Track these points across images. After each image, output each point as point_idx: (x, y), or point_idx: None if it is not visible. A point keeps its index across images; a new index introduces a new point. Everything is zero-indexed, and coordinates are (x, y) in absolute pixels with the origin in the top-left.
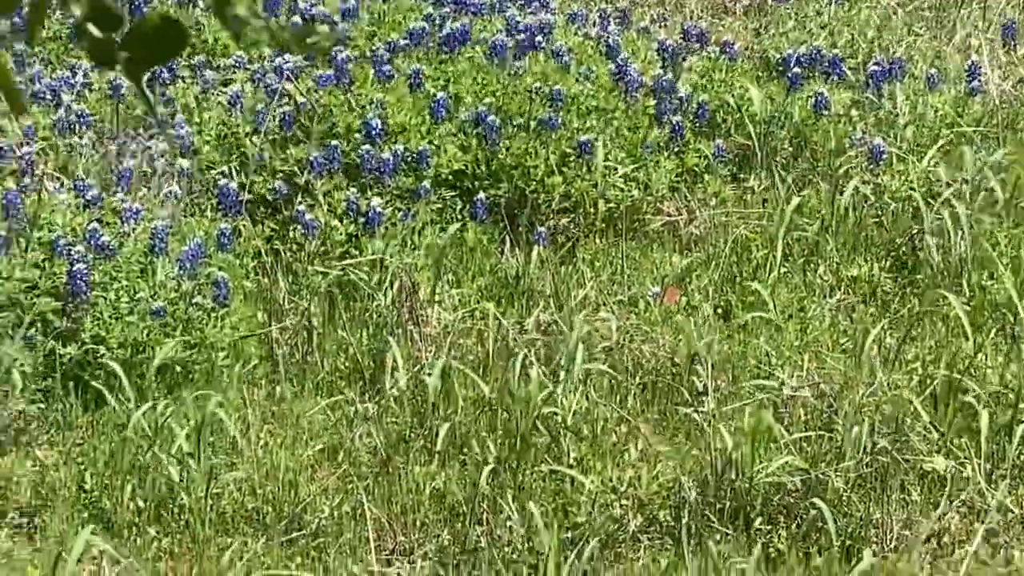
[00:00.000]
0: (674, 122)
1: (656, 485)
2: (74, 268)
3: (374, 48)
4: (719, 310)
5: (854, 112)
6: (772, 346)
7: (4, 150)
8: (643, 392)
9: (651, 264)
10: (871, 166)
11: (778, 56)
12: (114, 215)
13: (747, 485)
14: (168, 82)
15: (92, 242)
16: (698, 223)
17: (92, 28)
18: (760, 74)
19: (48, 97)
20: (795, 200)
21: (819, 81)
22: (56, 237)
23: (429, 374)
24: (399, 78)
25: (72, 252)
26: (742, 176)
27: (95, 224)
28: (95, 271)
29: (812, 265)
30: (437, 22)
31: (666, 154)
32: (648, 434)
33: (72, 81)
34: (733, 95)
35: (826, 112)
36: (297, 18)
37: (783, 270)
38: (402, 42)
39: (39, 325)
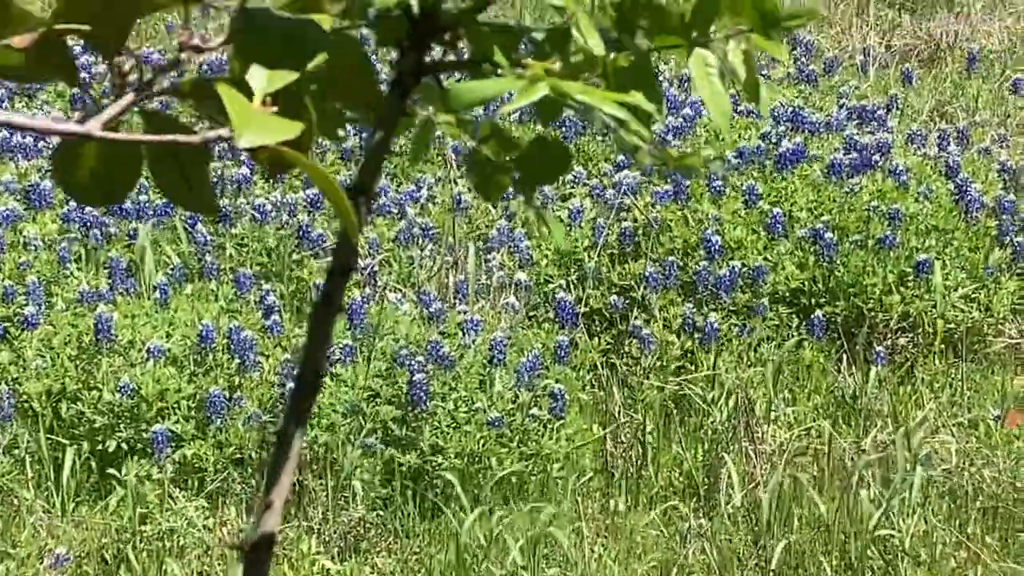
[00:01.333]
0: (1016, 243)
1: None
2: (415, 378)
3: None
4: None
5: None
6: None
7: None
8: (983, 517)
9: (992, 387)
10: None
11: None
12: (456, 326)
13: None
14: (510, 196)
15: (433, 353)
16: None
17: (486, 150)
18: None
19: (393, 211)
20: None
21: None
22: (398, 347)
23: (764, 492)
24: (734, 194)
25: (413, 363)
26: None
27: (436, 336)
28: (435, 381)
29: None
30: (773, 140)
31: (1008, 275)
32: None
33: (416, 195)
34: None
35: None
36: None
37: None
38: (733, 159)
39: (380, 433)
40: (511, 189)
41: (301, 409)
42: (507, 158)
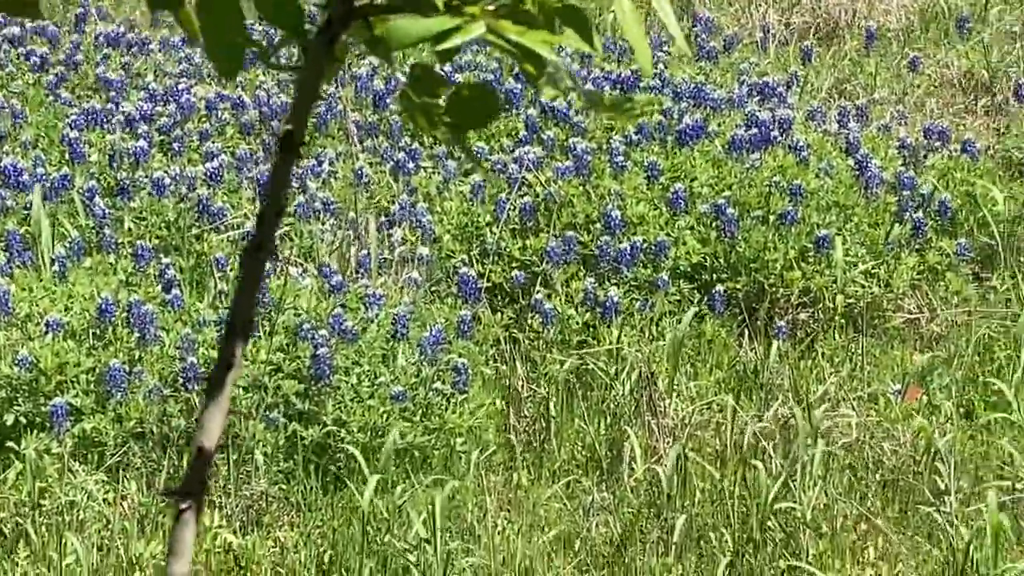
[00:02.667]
0: (916, 219)
1: None
2: (317, 352)
3: (610, 140)
4: (961, 409)
5: None
6: (1016, 447)
7: (250, 235)
8: (883, 490)
9: (891, 361)
10: None
11: (1021, 156)
12: (358, 300)
13: None
14: (412, 172)
15: (335, 327)
16: (939, 321)
17: (414, 92)
18: (1001, 174)
19: (294, 185)
20: None
21: None
22: (300, 321)
23: (666, 465)
24: (635, 170)
25: (316, 336)
26: (984, 275)
27: (339, 309)
28: (337, 355)
29: None
30: (674, 116)
31: (907, 251)
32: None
33: (318, 170)
34: (975, 194)
35: None
36: (534, 111)
37: None
38: (634, 136)
39: (282, 407)
40: (440, 133)
41: (232, 355)
42: (437, 101)
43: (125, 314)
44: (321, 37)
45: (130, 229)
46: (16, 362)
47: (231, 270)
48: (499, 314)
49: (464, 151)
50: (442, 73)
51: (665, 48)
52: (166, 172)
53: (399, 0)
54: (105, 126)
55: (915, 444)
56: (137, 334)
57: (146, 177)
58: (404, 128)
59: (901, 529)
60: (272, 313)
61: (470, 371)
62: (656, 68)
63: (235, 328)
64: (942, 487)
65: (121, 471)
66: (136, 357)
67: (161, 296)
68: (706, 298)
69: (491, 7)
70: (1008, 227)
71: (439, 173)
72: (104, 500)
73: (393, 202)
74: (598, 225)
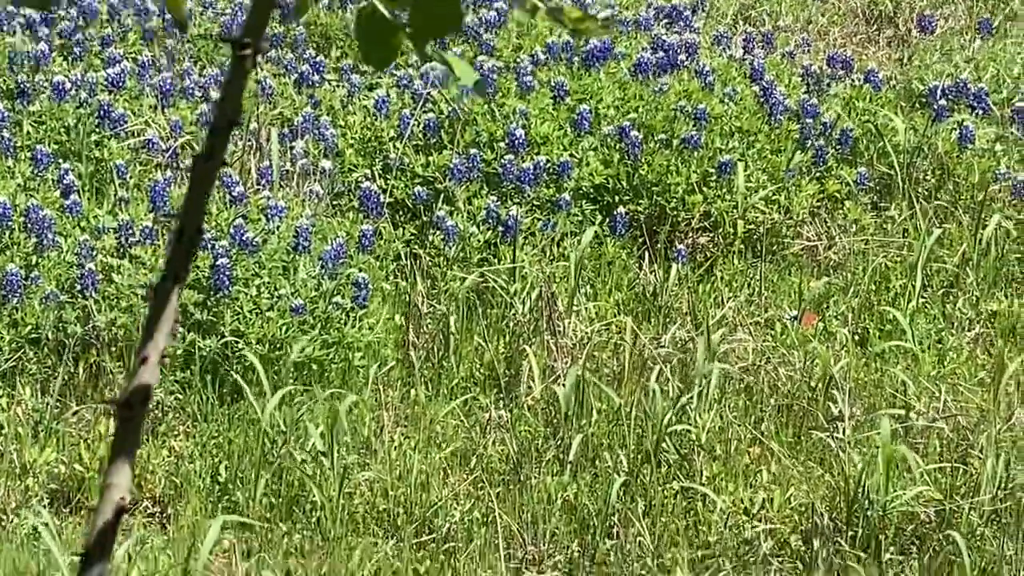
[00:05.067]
0: (817, 147)
1: (788, 509)
2: (218, 262)
3: (518, 59)
4: (856, 337)
5: (998, 147)
6: (909, 375)
7: (151, 143)
8: (778, 414)
9: (789, 287)
10: (1014, 201)
11: (922, 87)
12: (260, 212)
13: (880, 513)
14: (316, 84)
15: (236, 238)
16: (837, 249)
17: (378, 3)
18: (903, 104)
19: (197, 94)
20: (936, 232)
21: (964, 114)
22: None
23: (563, 385)
24: (542, 90)
25: (216, 246)
26: (883, 205)
27: (240, 220)
28: (238, 266)
29: (951, 297)
30: (582, 37)
31: (808, 179)
32: (782, 456)
33: (221, 79)
34: (876, 124)
35: (970, 145)
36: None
37: (922, 301)
38: (542, 56)
39: (180, 316)
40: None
41: (180, 264)
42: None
43: (22, 219)
44: None
45: (29, 133)
46: None
47: (131, 178)
48: (401, 230)
49: (424, 57)
50: None
51: None
52: (67, 77)
53: None
54: (5, 28)
55: (810, 370)
56: (34, 239)
57: (46, 81)
58: (309, 40)
59: (794, 454)
60: (172, 221)
61: (370, 286)
62: None
63: (183, 237)
64: (836, 413)
65: (16, 377)
66: (33, 262)
67: (60, 201)
68: (608, 220)
69: None
70: (907, 157)
71: (343, 87)
72: None
73: (296, 114)
74: (502, 144)
